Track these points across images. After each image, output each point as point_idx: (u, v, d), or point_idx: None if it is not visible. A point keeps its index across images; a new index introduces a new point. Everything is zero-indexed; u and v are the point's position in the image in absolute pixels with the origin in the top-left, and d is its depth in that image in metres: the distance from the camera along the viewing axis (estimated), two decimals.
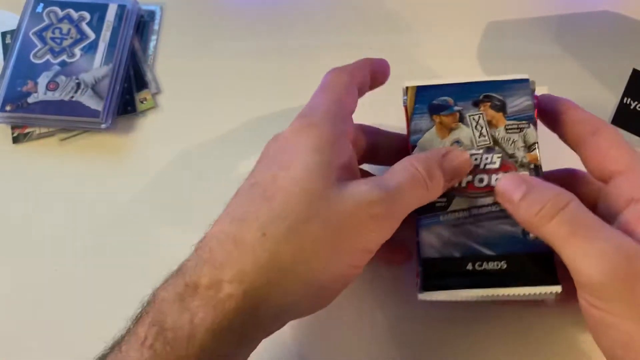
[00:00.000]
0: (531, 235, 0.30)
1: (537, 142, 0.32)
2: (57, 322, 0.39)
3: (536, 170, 0.31)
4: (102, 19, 0.48)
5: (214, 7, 0.51)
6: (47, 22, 0.47)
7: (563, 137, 0.32)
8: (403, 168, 0.29)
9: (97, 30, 0.47)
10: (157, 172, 0.44)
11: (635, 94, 0.44)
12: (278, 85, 0.47)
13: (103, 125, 0.44)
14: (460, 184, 0.31)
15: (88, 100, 0.44)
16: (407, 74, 0.47)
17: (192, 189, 0.43)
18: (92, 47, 0.46)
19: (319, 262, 0.27)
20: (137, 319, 0.27)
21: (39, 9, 0.48)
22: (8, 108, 0.44)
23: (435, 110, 0.33)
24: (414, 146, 0.32)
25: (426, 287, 0.30)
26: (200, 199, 0.42)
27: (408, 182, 0.29)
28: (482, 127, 0.32)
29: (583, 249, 0.26)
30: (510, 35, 0.47)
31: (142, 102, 0.46)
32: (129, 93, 0.46)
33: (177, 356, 0.25)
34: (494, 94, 0.33)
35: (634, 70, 0.44)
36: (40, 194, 0.44)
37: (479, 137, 0.32)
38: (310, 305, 0.29)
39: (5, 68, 0.45)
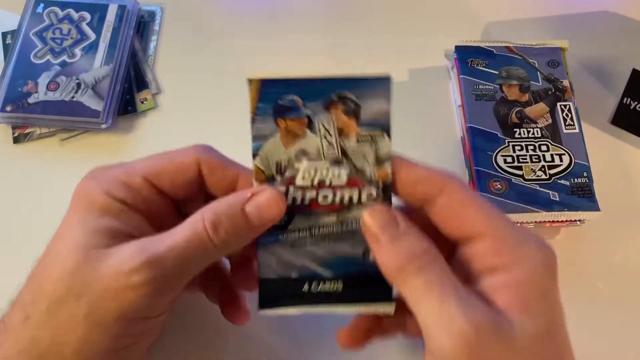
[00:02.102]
0: (371, 257, 0.29)
1: (391, 156, 0.29)
2: None
3: (385, 190, 0.29)
4: (102, 19, 0.48)
5: (214, 7, 0.51)
6: (47, 22, 0.47)
7: (403, 199, 0.29)
8: (189, 222, 0.27)
9: (98, 30, 0.47)
10: None
11: (635, 94, 0.44)
12: None
13: (103, 126, 0.44)
14: (303, 200, 0.29)
15: (88, 100, 0.44)
16: (407, 76, 0.48)
17: None
18: (92, 48, 0.46)
19: (78, 341, 0.26)
20: None
21: (40, 9, 0.48)
22: (8, 108, 0.44)
23: (280, 112, 0.29)
24: (255, 154, 0.29)
25: (264, 305, 0.29)
26: None
27: (186, 240, 0.26)
28: (331, 136, 0.29)
29: (435, 311, 0.24)
30: (510, 35, 0.47)
31: (142, 102, 0.46)
32: (129, 93, 0.46)
33: None
34: (348, 94, 0.29)
35: (634, 70, 0.44)
36: (41, 194, 0.44)
37: (327, 148, 0.29)
38: None
39: (5, 68, 0.45)
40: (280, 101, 0.29)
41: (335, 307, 0.29)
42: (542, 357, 0.25)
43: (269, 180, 0.29)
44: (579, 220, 0.39)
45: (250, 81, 0.29)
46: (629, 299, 0.40)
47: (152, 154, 0.30)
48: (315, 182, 0.29)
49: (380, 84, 0.28)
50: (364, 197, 0.29)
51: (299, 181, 0.29)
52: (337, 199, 0.29)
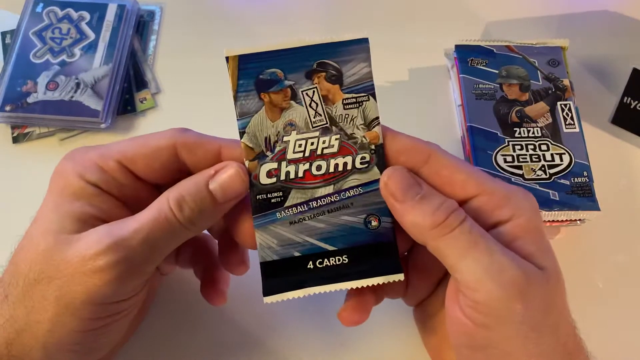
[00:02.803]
0: (373, 224, 0.29)
1: (379, 117, 0.28)
2: None
3: (377, 152, 0.29)
4: (101, 18, 0.48)
5: (214, 7, 0.51)
6: (46, 21, 0.47)
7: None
8: (155, 203, 0.27)
9: (97, 30, 0.47)
10: None
11: (635, 93, 0.44)
12: None
13: (103, 125, 0.44)
14: (297, 173, 0.28)
15: (88, 100, 0.44)
16: (407, 75, 0.48)
17: None
18: (91, 47, 0.46)
19: (49, 321, 0.26)
20: None
21: (39, 8, 0.48)
22: (8, 108, 0.44)
23: (263, 86, 0.28)
24: (243, 132, 0.28)
25: (268, 292, 0.28)
26: None
27: (152, 221, 0.26)
28: (317, 105, 0.28)
29: (484, 263, 0.25)
30: (511, 35, 0.47)
31: (141, 101, 0.46)
32: (128, 93, 0.46)
33: None
34: (328, 61, 0.28)
35: (634, 70, 0.44)
36: (41, 194, 0.43)
37: (315, 117, 0.28)
38: (75, 357, 0.28)
39: (5, 68, 0.45)
40: (261, 76, 0.28)
41: (343, 284, 0.28)
42: (563, 292, 0.27)
43: (259, 157, 0.29)
44: (579, 220, 0.39)
45: (228, 58, 0.28)
46: (630, 298, 0.40)
47: (131, 137, 0.30)
48: (307, 153, 0.28)
49: (358, 47, 0.28)
50: (357, 162, 0.29)
51: (290, 154, 0.29)
52: (331, 168, 0.29)
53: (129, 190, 0.29)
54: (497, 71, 0.43)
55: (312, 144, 0.28)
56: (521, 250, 0.26)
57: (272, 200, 0.28)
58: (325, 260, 0.29)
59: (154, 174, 0.29)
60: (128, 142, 0.30)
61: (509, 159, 0.40)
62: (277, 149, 0.28)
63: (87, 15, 0.48)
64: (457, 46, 0.45)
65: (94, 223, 0.27)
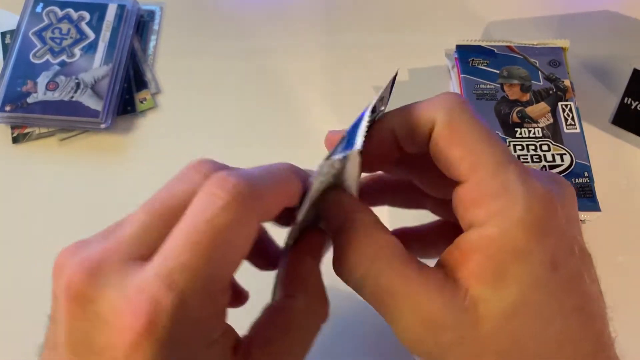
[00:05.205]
0: None
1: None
2: None
3: None
4: (101, 18, 0.47)
5: (214, 7, 0.51)
6: (46, 22, 0.47)
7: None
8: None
9: (97, 30, 0.47)
10: (157, 172, 0.44)
11: (635, 93, 0.44)
12: (278, 85, 0.47)
13: (103, 125, 0.44)
14: None
15: (88, 100, 0.44)
16: (407, 75, 0.48)
17: None
18: (91, 47, 0.46)
19: None
20: None
21: (39, 8, 0.48)
22: (8, 108, 0.44)
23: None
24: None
25: None
26: None
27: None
28: None
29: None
30: (511, 35, 0.47)
31: (141, 102, 0.46)
32: (128, 93, 0.46)
33: None
34: None
35: (635, 70, 0.44)
36: (40, 194, 0.43)
37: None
38: None
39: (5, 68, 0.45)
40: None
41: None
42: (502, 343, 0.19)
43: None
44: (580, 221, 0.39)
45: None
46: (630, 299, 0.40)
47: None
48: None
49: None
50: None
51: None
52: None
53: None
54: (498, 71, 0.43)
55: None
56: (463, 270, 0.20)
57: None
58: None
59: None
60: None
61: None
62: None
63: (87, 15, 0.48)
64: (458, 46, 0.45)
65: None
